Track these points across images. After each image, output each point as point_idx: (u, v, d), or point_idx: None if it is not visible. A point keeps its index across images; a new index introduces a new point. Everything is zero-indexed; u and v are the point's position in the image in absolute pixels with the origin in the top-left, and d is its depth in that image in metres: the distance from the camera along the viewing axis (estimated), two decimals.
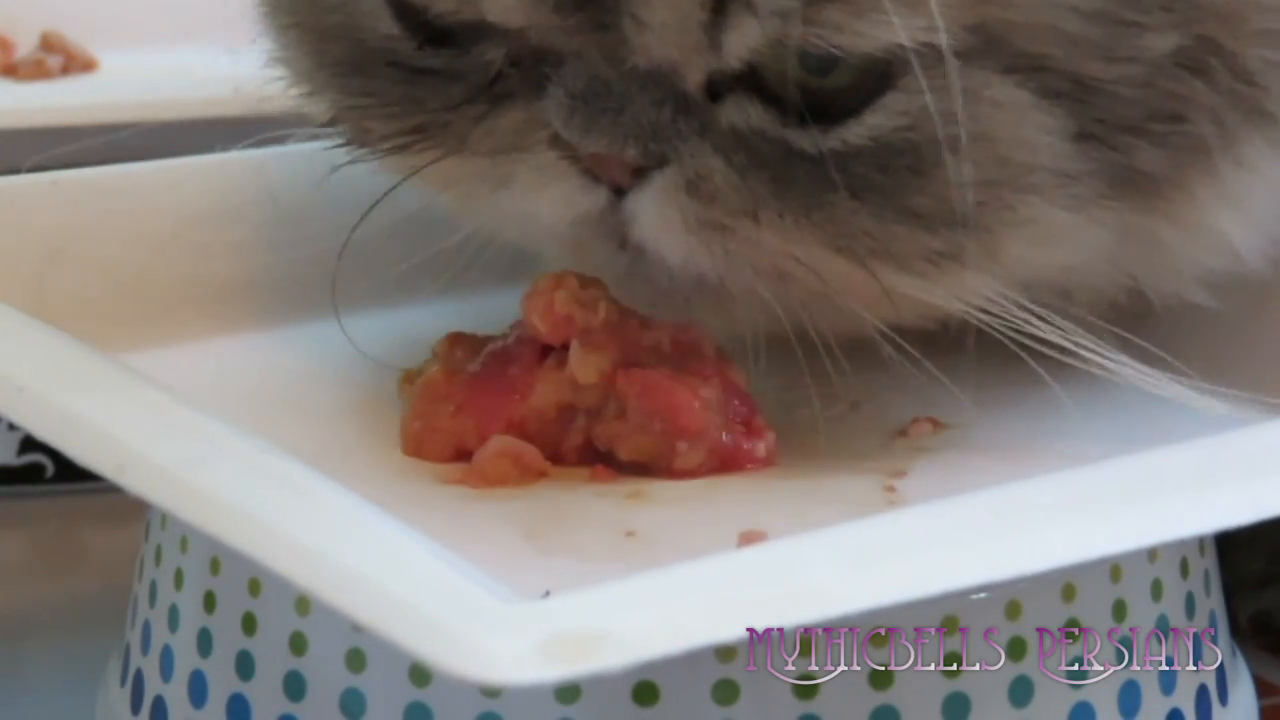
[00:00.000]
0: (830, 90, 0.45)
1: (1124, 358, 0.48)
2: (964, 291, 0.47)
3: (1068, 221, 0.47)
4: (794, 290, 0.47)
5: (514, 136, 0.47)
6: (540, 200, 0.48)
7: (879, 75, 0.45)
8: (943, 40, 0.43)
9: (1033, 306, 0.47)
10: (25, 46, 0.84)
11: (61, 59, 0.83)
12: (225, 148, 0.57)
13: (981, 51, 0.45)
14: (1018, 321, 0.47)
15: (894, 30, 0.43)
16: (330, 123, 0.51)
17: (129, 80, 0.80)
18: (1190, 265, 0.50)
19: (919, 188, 0.45)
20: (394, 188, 0.50)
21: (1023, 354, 0.48)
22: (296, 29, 0.51)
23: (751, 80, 0.45)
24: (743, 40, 0.44)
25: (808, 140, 0.45)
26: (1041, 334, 0.47)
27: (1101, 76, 0.46)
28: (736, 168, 0.46)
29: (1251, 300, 0.52)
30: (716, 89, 0.46)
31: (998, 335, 0.47)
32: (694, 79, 0.45)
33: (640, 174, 0.47)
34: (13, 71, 0.83)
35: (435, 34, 0.48)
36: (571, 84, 0.46)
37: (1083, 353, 0.47)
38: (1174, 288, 0.51)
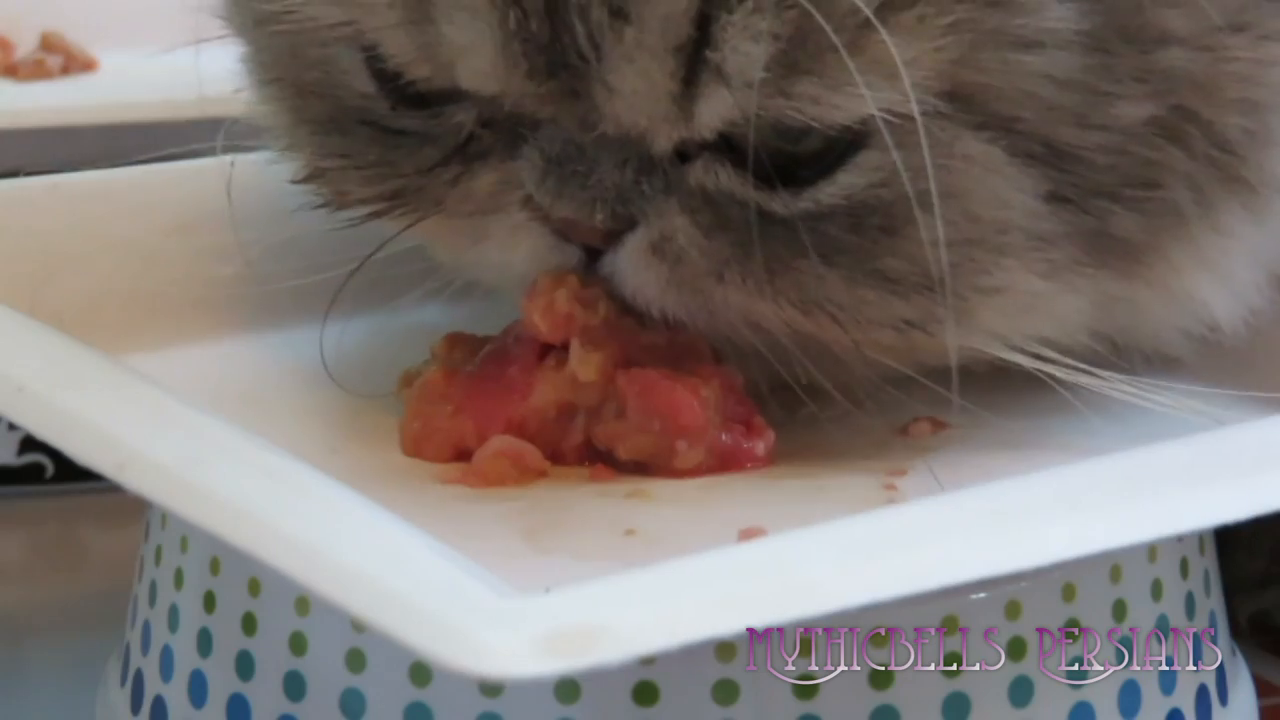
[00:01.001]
0: (802, 154, 0.45)
1: (1119, 378, 0.48)
2: (939, 352, 0.47)
3: (1043, 289, 0.47)
4: (770, 338, 0.48)
5: (488, 199, 0.48)
6: (514, 256, 0.48)
7: (852, 135, 0.45)
8: (914, 109, 0.44)
9: (1021, 343, 0.48)
10: (25, 46, 0.84)
11: (61, 59, 0.83)
12: (225, 149, 0.57)
13: (954, 110, 0.45)
14: (1003, 361, 0.48)
15: (867, 102, 0.44)
16: (306, 180, 0.51)
17: (129, 80, 0.80)
18: (1167, 329, 0.50)
19: (891, 248, 0.45)
20: (380, 247, 0.51)
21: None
22: (276, 84, 0.51)
23: (721, 143, 0.46)
24: (714, 111, 0.45)
25: (778, 203, 0.46)
26: (1033, 368, 0.48)
27: (1074, 142, 0.46)
28: (702, 229, 0.46)
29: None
30: (686, 151, 0.46)
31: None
32: (662, 145, 0.46)
33: (613, 236, 0.47)
34: (13, 71, 0.83)
35: (409, 96, 0.48)
36: (547, 148, 0.46)
37: (1080, 380, 0.48)
38: (1153, 345, 0.51)
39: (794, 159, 0.45)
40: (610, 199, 0.46)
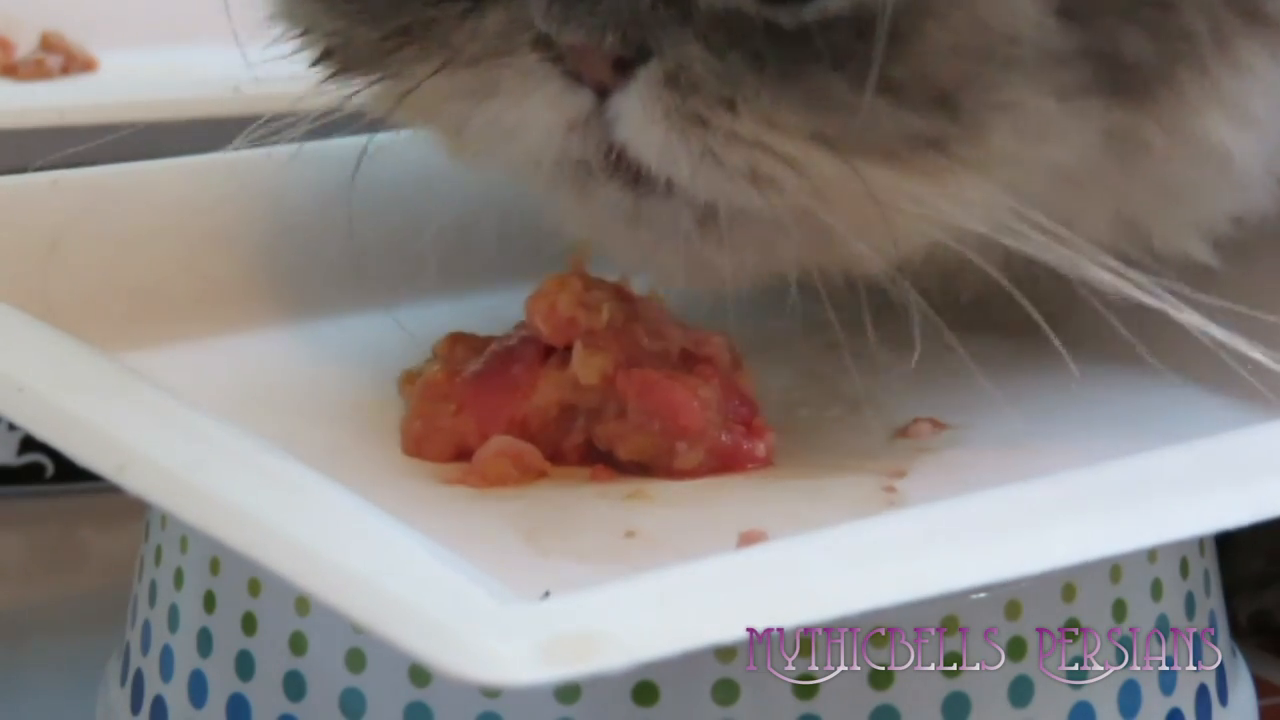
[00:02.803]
0: None
1: (1169, 296, 0.46)
2: (959, 197, 0.46)
3: (1053, 110, 0.45)
4: (776, 200, 0.46)
5: (498, 39, 0.46)
6: (526, 107, 0.47)
7: None
8: None
9: (1050, 225, 0.46)
10: (25, 46, 0.84)
11: (61, 59, 0.83)
12: (225, 148, 0.57)
13: None
14: (1036, 247, 0.46)
15: None
16: (321, 57, 0.50)
17: (129, 80, 0.80)
18: (1190, 192, 0.48)
19: (899, 55, 0.44)
20: (392, 107, 0.49)
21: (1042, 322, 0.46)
22: None
23: None
24: None
25: (786, 15, 0.44)
26: (1066, 266, 0.46)
27: None
28: (715, 51, 0.45)
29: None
30: None
31: (1015, 294, 0.46)
32: None
33: (622, 69, 0.45)
34: (13, 71, 0.83)
35: None
36: None
37: (1128, 289, 0.46)
38: (1175, 234, 0.49)
39: None
40: (622, 22, 0.45)
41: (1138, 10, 0.45)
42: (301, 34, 0.51)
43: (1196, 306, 0.46)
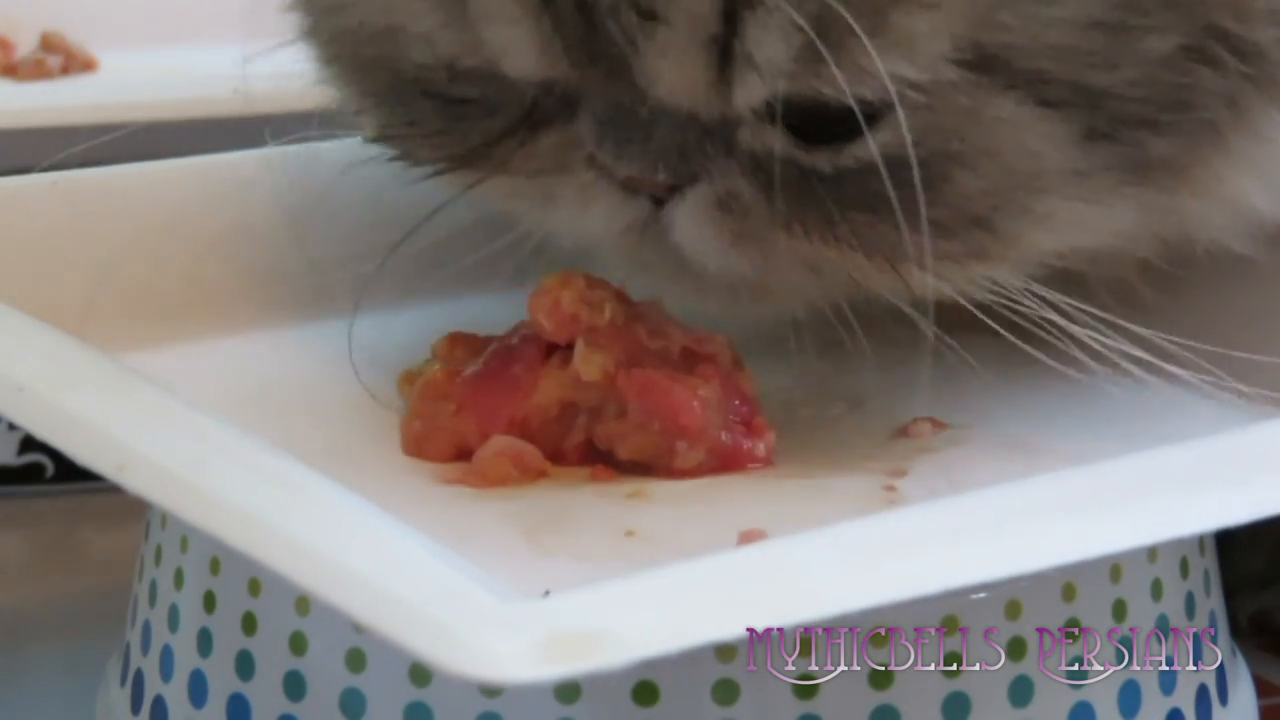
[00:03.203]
0: (839, 117, 0.45)
1: (1130, 347, 0.48)
2: (991, 282, 0.48)
3: (1087, 212, 0.47)
4: (829, 282, 0.48)
5: (553, 158, 0.48)
6: (586, 216, 0.49)
7: (888, 101, 0.45)
8: (944, 75, 0.44)
9: (1053, 298, 0.48)
10: (25, 46, 0.84)
11: (61, 59, 0.83)
12: (225, 147, 0.57)
13: (980, 73, 0.45)
14: (1028, 310, 0.48)
15: (894, 80, 0.44)
16: (377, 140, 0.52)
17: (129, 80, 0.80)
18: (1221, 232, 0.50)
19: (931, 200, 0.46)
20: (444, 204, 0.51)
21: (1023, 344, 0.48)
22: (337, 62, 0.52)
23: (766, 109, 0.46)
24: (749, 94, 0.45)
25: (823, 160, 0.46)
26: (1047, 322, 0.47)
27: (1104, 82, 0.46)
28: (760, 187, 0.47)
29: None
30: (732, 118, 0.46)
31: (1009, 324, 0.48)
32: (711, 116, 0.46)
33: (675, 189, 0.47)
34: (13, 71, 0.83)
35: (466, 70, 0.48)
36: (599, 112, 0.47)
37: (1090, 342, 0.47)
38: (1224, 240, 0.51)
39: (831, 123, 0.45)
40: (672, 158, 0.47)
41: (1161, 116, 0.46)
42: (356, 112, 0.53)
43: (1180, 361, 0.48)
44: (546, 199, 0.49)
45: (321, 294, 0.55)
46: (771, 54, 0.44)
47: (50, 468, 0.67)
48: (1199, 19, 0.46)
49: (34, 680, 0.58)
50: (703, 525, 0.45)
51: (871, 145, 0.45)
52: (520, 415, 0.49)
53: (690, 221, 0.48)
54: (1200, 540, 0.48)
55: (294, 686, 0.44)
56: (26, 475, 0.68)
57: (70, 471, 0.66)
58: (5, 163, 0.59)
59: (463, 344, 0.51)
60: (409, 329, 0.56)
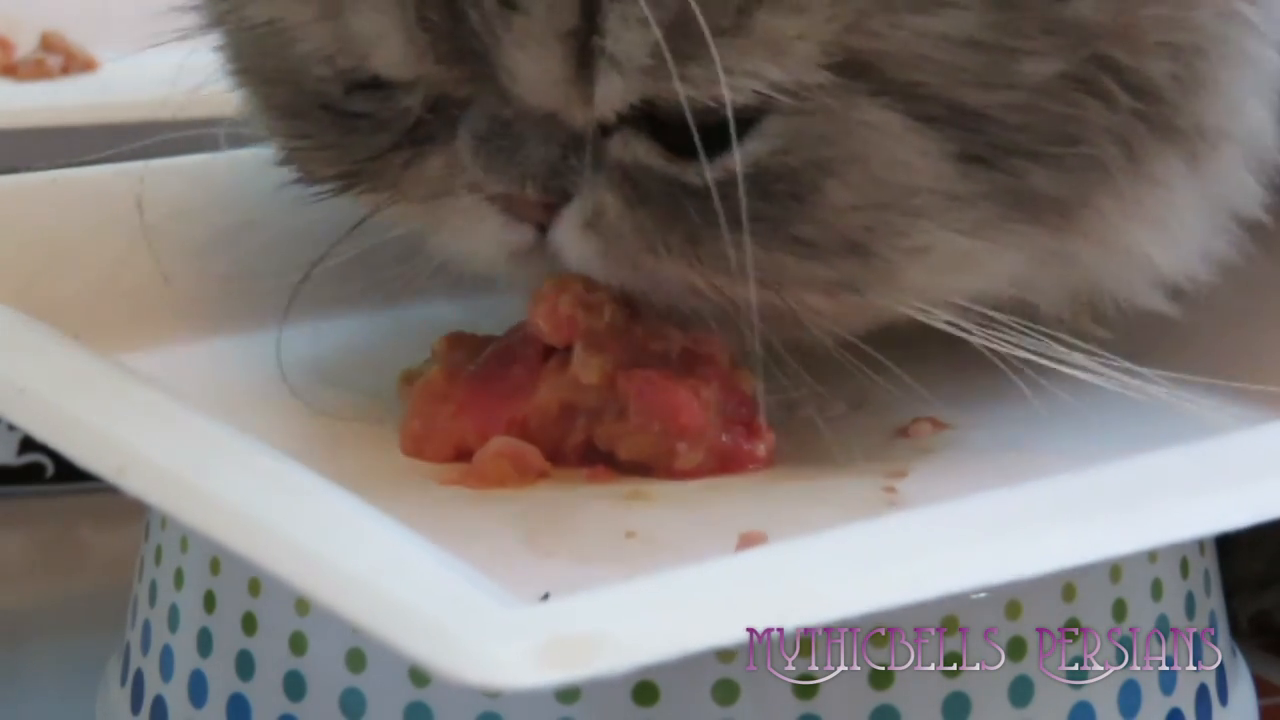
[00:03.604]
0: (710, 124, 0.45)
1: (1095, 363, 0.47)
2: (874, 311, 0.47)
3: (969, 247, 0.46)
4: (717, 306, 0.47)
5: (439, 182, 0.48)
6: (473, 240, 0.49)
7: (756, 105, 0.45)
8: (812, 78, 0.44)
9: (996, 315, 0.47)
10: (25, 46, 0.84)
11: (61, 59, 0.83)
12: (225, 147, 0.57)
13: (851, 78, 0.44)
14: (977, 331, 0.47)
15: (760, 81, 0.44)
16: (283, 162, 0.52)
17: (129, 80, 0.80)
18: (1119, 284, 0.49)
19: (802, 215, 0.45)
20: (355, 227, 0.51)
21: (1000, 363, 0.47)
22: (244, 74, 0.52)
23: (639, 116, 0.45)
24: (610, 94, 0.45)
25: (693, 172, 0.45)
26: (1008, 343, 0.47)
27: (980, 102, 0.45)
28: (628, 203, 0.46)
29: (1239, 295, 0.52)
30: (605, 126, 0.46)
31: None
32: (580, 123, 0.46)
33: (551, 210, 0.47)
34: (13, 71, 0.83)
35: (361, 80, 0.48)
36: (475, 125, 0.47)
37: (1049, 363, 0.47)
38: (1126, 295, 0.50)
39: (702, 129, 0.44)
40: (540, 173, 0.46)
41: (1043, 147, 0.45)
42: (266, 135, 0.53)
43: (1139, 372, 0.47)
44: (434, 225, 0.49)
45: (321, 294, 0.55)
46: (631, 50, 0.44)
47: (50, 468, 0.67)
48: (1084, 47, 0.45)
49: (34, 680, 0.58)
50: (703, 526, 0.45)
51: (736, 154, 0.44)
52: (520, 417, 0.49)
53: (571, 242, 0.47)
54: (1200, 541, 0.48)
55: (294, 686, 0.44)
56: (26, 475, 0.68)
57: (70, 471, 0.66)
58: (5, 162, 0.59)
59: (462, 344, 0.51)
60: (408, 329, 0.56)
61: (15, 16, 0.84)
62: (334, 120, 0.49)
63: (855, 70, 0.44)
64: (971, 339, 0.47)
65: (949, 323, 0.47)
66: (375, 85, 0.48)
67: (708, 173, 0.45)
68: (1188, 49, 0.46)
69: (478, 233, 0.48)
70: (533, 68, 0.45)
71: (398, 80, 0.47)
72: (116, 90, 0.77)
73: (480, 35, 0.44)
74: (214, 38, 0.53)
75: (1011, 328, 0.47)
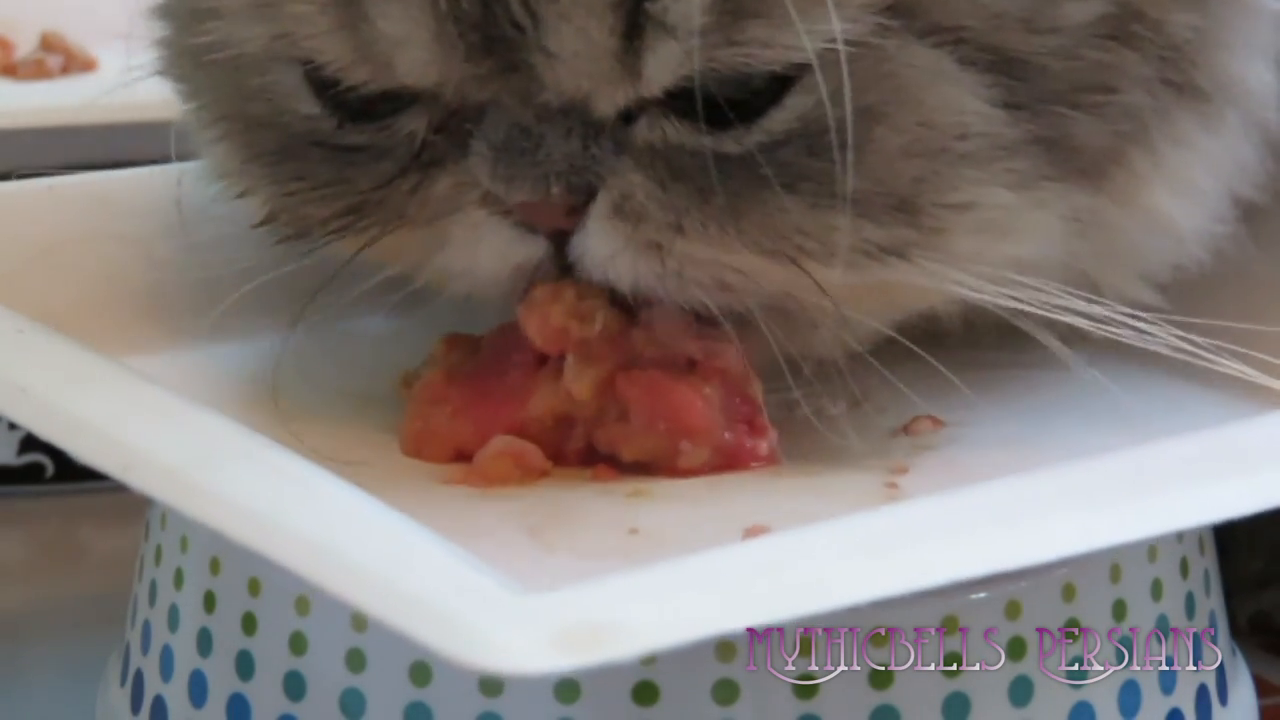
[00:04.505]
0: (749, 93, 0.44)
1: (1161, 325, 0.47)
2: (912, 295, 0.47)
3: (1012, 203, 0.46)
4: (739, 301, 0.47)
5: (446, 202, 0.47)
6: (478, 257, 0.48)
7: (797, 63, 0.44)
8: (867, 24, 0.43)
9: (997, 275, 0.47)
10: (25, 46, 0.84)
11: (61, 59, 0.83)
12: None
13: (897, 23, 0.44)
14: (978, 298, 0.47)
15: (817, 35, 0.43)
16: (267, 220, 0.51)
17: (129, 80, 0.79)
18: (1138, 253, 0.50)
19: (853, 167, 0.45)
20: (346, 263, 0.50)
21: (1035, 331, 0.47)
22: (224, 122, 0.51)
23: (663, 96, 0.45)
24: (662, 65, 0.44)
25: (730, 141, 0.45)
26: (1070, 307, 0.47)
27: (1024, 47, 0.45)
28: (657, 181, 0.46)
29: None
30: (629, 111, 0.46)
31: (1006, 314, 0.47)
32: (605, 109, 0.45)
33: (575, 213, 0.47)
34: (13, 71, 0.83)
35: (355, 110, 0.48)
36: (492, 135, 0.46)
37: (1118, 317, 0.47)
38: (1122, 285, 0.50)
39: (739, 100, 0.44)
40: (563, 171, 0.46)
41: (1083, 96, 0.46)
42: (240, 195, 0.51)
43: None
44: (438, 245, 0.48)
45: (321, 295, 0.55)
46: (687, 10, 0.43)
47: (50, 468, 0.67)
48: None
49: (34, 680, 0.58)
50: (706, 522, 0.45)
51: (781, 112, 0.44)
52: (518, 423, 0.49)
53: (598, 240, 0.46)
54: (1200, 540, 0.48)
55: (294, 686, 0.44)
56: (26, 475, 0.68)
57: (70, 471, 0.66)
58: (5, 163, 0.59)
59: (460, 346, 0.51)
60: (408, 329, 0.56)
61: (15, 16, 0.84)
62: (328, 156, 0.48)
63: (903, 15, 0.44)
64: (1028, 308, 0.47)
65: (996, 304, 0.47)
66: (370, 115, 0.47)
67: (749, 138, 0.45)
68: (1211, 2, 0.47)
69: (485, 248, 0.48)
70: (578, 41, 0.44)
71: (418, 87, 0.46)
72: (116, 90, 0.77)
73: (518, 15, 0.44)
74: (185, 94, 0.52)
75: (1033, 291, 0.47)
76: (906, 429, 0.51)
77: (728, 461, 0.48)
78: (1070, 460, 0.42)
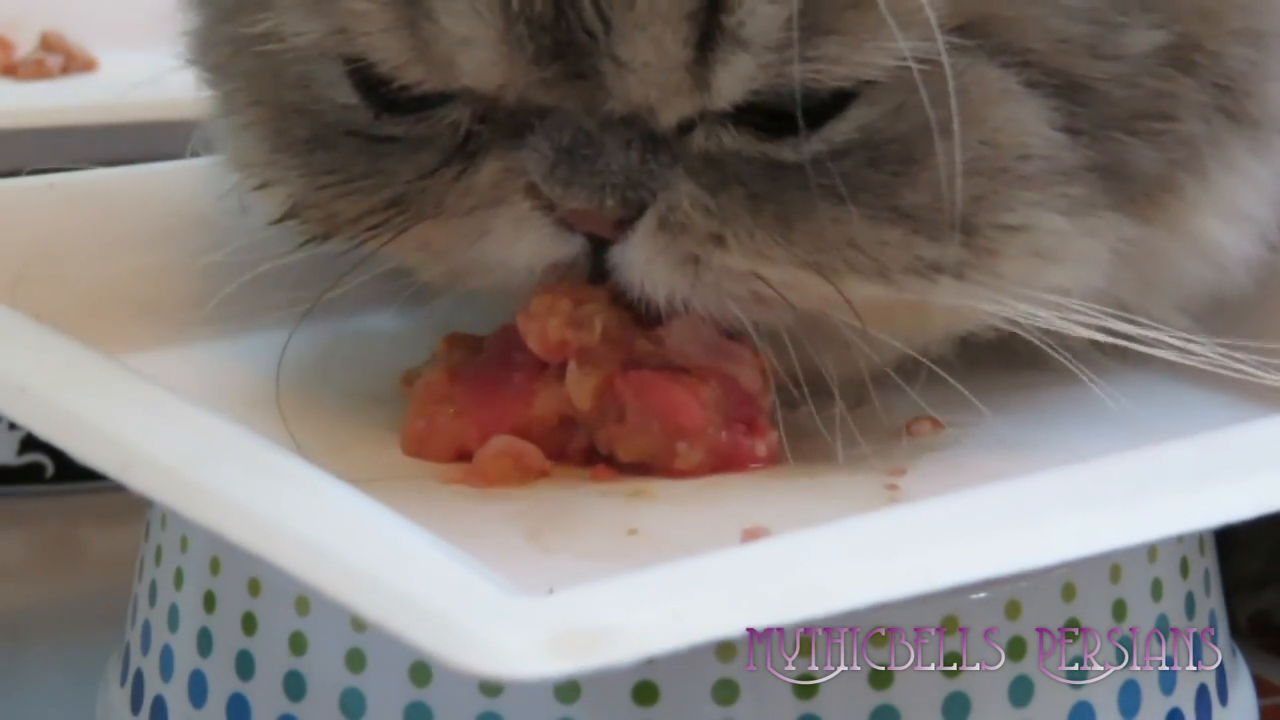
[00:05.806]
0: (812, 104, 0.44)
1: (1203, 340, 0.47)
2: (951, 320, 0.47)
3: (1065, 229, 0.46)
4: (773, 315, 0.47)
5: (490, 191, 0.47)
6: (516, 251, 0.47)
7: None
8: (942, 55, 0.43)
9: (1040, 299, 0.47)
10: (25, 46, 0.84)
11: (61, 59, 0.83)
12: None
13: (968, 42, 0.44)
14: (1016, 324, 0.47)
15: (890, 53, 0.43)
16: (287, 215, 0.50)
17: (129, 80, 0.80)
18: (1181, 282, 0.50)
19: (911, 180, 0.45)
20: (362, 259, 0.50)
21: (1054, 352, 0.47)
22: (255, 107, 0.50)
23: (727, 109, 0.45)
24: (734, 78, 0.44)
25: (788, 150, 0.45)
26: (1113, 328, 0.47)
27: (1087, 73, 0.45)
28: (707, 189, 0.45)
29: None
30: (688, 121, 0.45)
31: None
32: (668, 119, 0.45)
33: (623, 225, 0.46)
34: (13, 71, 0.83)
35: (394, 103, 0.47)
36: (555, 136, 0.46)
37: (1167, 339, 0.47)
38: (1160, 313, 0.50)
39: (804, 110, 0.44)
40: (619, 184, 0.45)
41: (1142, 123, 0.46)
42: (260, 186, 0.51)
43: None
44: (478, 235, 0.47)
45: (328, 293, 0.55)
46: (763, 25, 0.43)
47: (50, 468, 0.67)
48: (1175, 24, 0.46)
49: (34, 680, 0.58)
50: (705, 523, 0.45)
51: (841, 124, 0.44)
52: (521, 423, 0.49)
53: (637, 254, 0.46)
54: (1200, 540, 0.48)
55: (294, 686, 0.44)
56: (26, 475, 0.68)
57: (70, 471, 0.66)
58: (5, 163, 0.59)
59: (461, 345, 0.51)
60: (409, 329, 0.56)
61: (15, 16, 0.84)
62: (363, 147, 0.48)
63: (974, 35, 0.44)
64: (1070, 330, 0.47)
65: (1037, 328, 0.47)
66: (408, 108, 0.47)
67: (808, 146, 0.45)
68: (1265, 34, 0.47)
69: (524, 243, 0.47)
70: (650, 51, 0.43)
71: (478, 89, 0.45)
72: (116, 90, 0.78)
73: (590, 22, 0.43)
74: (214, 81, 0.52)
75: (1074, 314, 0.47)
76: (907, 430, 0.51)
77: (726, 462, 0.48)
78: (1071, 463, 0.41)
